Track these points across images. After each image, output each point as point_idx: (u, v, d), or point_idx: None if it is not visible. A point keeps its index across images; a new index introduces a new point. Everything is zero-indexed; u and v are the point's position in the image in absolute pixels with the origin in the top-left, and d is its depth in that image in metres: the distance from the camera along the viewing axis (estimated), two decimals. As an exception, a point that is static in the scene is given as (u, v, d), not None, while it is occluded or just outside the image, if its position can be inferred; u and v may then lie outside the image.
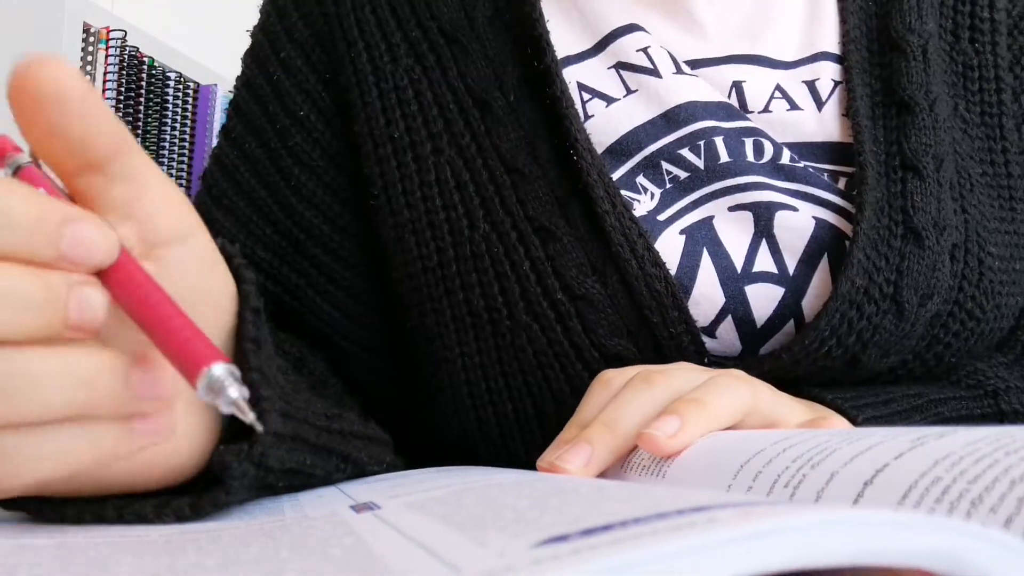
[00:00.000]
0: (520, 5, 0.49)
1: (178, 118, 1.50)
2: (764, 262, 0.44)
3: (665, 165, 0.46)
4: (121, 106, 1.39)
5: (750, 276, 0.44)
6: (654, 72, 0.48)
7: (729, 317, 0.44)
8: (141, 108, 1.43)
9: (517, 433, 0.45)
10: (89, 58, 1.36)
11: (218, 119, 1.59)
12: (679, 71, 0.48)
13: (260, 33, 0.54)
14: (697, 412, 0.31)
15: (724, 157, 0.45)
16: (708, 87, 0.48)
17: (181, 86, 1.51)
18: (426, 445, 0.49)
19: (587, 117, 0.48)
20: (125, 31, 1.39)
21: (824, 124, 0.48)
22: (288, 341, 0.48)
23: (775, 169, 0.45)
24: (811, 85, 0.49)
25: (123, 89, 1.40)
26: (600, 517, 0.15)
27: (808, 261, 0.44)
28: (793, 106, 0.48)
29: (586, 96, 0.48)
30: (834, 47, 0.51)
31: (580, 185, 0.44)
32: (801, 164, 0.46)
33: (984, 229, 0.46)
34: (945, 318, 0.44)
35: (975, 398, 0.44)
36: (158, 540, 0.22)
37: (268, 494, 0.31)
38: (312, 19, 0.52)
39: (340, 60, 0.50)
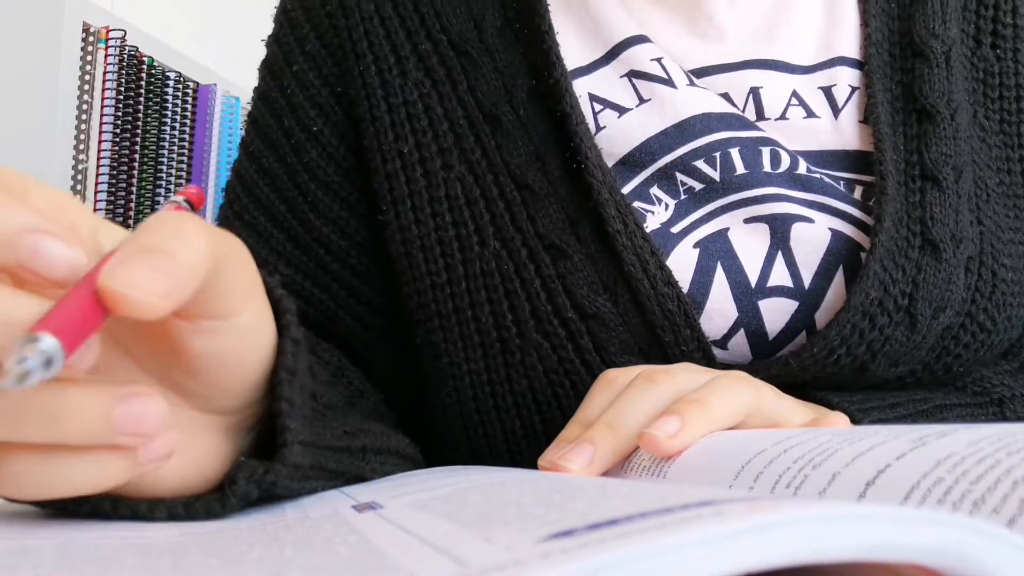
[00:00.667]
0: (530, 16, 0.48)
1: (177, 118, 1.50)
2: (779, 276, 0.44)
3: (680, 176, 0.46)
4: (120, 106, 1.39)
5: (764, 291, 0.43)
6: (668, 82, 0.47)
7: (741, 331, 0.43)
8: (140, 108, 1.43)
9: (525, 449, 0.45)
10: (88, 58, 1.36)
11: (217, 119, 1.59)
12: (692, 83, 0.48)
13: (274, 44, 0.54)
14: (698, 412, 0.31)
15: (740, 169, 0.45)
16: (722, 100, 0.47)
17: (181, 86, 1.51)
18: (435, 461, 0.49)
19: (599, 129, 0.47)
20: (125, 31, 1.39)
21: (841, 132, 0.47)
22: (329, 351, 0.48)
23: (792, 179, 0.45)
24: (828, 91, 0.49)
25: (122, 89, 1.40)
26: (605, 512, 0.15)
27: (824, 274, 0.43)
28: (810, 113, 0.48)
29: (598, 107, 0.48)
30: (853, 51, 0.50)
31: (591, 203, 0.44)
32: (818, 174, 0.45)
33: (998, 240, 0.46)
34: (956, 330, 0.44)
35: (980, 405, 0.44)
36: (160, 541, 0.22)
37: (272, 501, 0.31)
38: (323, 30, 0.51)
39: (350, 73, 0.50)
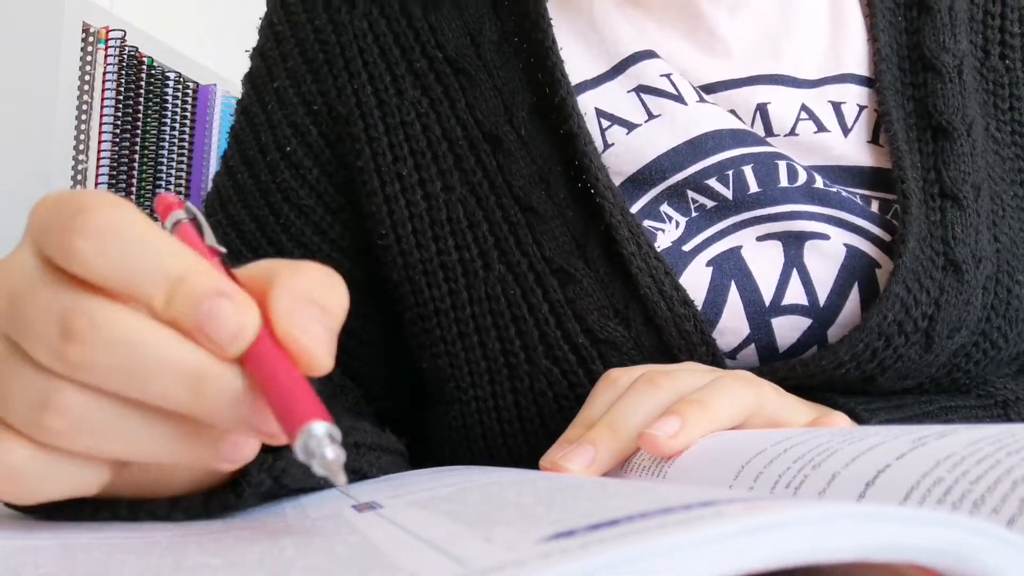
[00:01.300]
0: (531, 31, 0.47)
1: (177, 118, 1.50)
2: (794, 294, 0.43)
3: (691, 194, 0.45)
4: (120, 106, 1.39)
5: (778, 309, 0.43)
6: (678, 98, 0.46)
7: (752, 345, 0.43)
8: (140, 108, 1.43)
9: None
10: (88, 58, 1.36)
11: (217, 119, 1.59)
12: (702, 99, 0.47)
13: (257, 57, 0.52)
14: (698, 413, 0.31)
15: (753, 186, 0.44)
16: (732, 116, 0.46)
17: (180, 86, 1.51)
18: (426, 463, 0.49)
19: (607, 146, 0.46)
20: (124, 31, 1.39)
21: (851, 150, 0.47)
22: None
23: (810, 194, 0.44)
24: (837, 107, 0.47)
25: (122, 89, 1.39)
26: (606, 512, 0.15)
27: (839, 291, 0.43)
28: (820, 128, 0.47)
29: (605, 123, 0.46)
30: (861, 68, 0.49)
31: (602, 225, 0.43)
32: (835, 188, 0.45)
33: (1013, 256, 0.45)
34: (969, 348, 0.43)
35: (985, 407, 0.43)
36: (161, 541, 0.22)
37: (274, 499, 0.31)
38: (307, 46, 0.50)
39: (341, 91, 0.48)
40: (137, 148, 1.43)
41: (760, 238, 0.44)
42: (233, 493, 0.26)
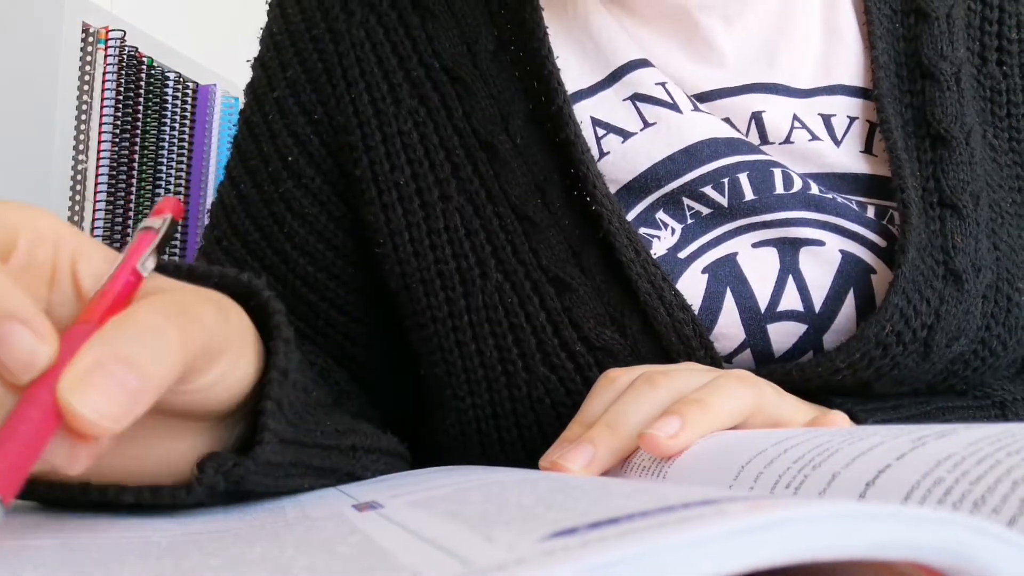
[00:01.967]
0: (527, 40, 0.47)
1: (177, 118, 1.50)
2: (790, 300, 0.43)
3: (687, 201, 0.45)
4: (120, 106, 1.39)
5: (774, 315, 0.43)
6: (673, 107, 0.46)
7: (748, 351, 0.43)
8: (140, 108, 1.43)
9: None
10: (88, 58, 1.36)
11: (217, 119, 1.59)
12: (696, 108, 0.47)
13: (258, 67, 0.53)
14: (698, 413, 0.31)
15: (749, 194, 0.44)
16: (727, 125, 0.47)
17: (180, 86, 1.51)
18: (428, 463, 0.49)
19: (602, 154, 0.46)
20: (124, 31, 1.39)
21: (845, 158, 0.46)
22: (314, 352, 0.48)
23: (806, 200, 0.44)
24: (827, 120, 0.48)
25: (122, 89, 1.39)
26: (607, 511, 0.15)
27: (835, 297, 0.43)
28: (814, 136, 0.47)
29: (600, 132, 0.47)
30: (854, 78, 0.49)
31: (599, 233, 0.43)
32: (830, 195, 0.45)
33: (1013, 264, 0.45)
34: (968, 355, 0.43)
35: (983, 408, 0.44)
36: (161, 541, 0.22)
37: (267, 496, 0.31)
38: (305, 55, 0.50)
39: (339, 100, 0.49)
40: (137, 148, 1.43)
41: (756, 244, 0.44)
42: (184, 489, 0.26)
